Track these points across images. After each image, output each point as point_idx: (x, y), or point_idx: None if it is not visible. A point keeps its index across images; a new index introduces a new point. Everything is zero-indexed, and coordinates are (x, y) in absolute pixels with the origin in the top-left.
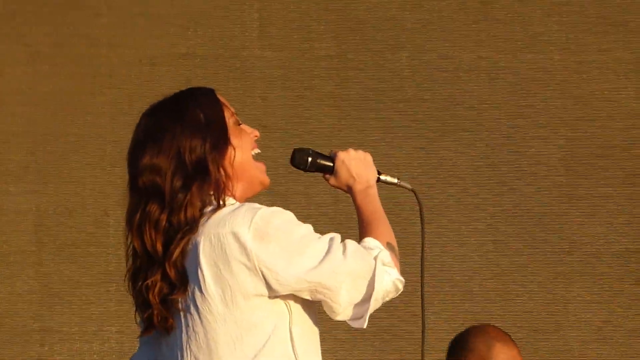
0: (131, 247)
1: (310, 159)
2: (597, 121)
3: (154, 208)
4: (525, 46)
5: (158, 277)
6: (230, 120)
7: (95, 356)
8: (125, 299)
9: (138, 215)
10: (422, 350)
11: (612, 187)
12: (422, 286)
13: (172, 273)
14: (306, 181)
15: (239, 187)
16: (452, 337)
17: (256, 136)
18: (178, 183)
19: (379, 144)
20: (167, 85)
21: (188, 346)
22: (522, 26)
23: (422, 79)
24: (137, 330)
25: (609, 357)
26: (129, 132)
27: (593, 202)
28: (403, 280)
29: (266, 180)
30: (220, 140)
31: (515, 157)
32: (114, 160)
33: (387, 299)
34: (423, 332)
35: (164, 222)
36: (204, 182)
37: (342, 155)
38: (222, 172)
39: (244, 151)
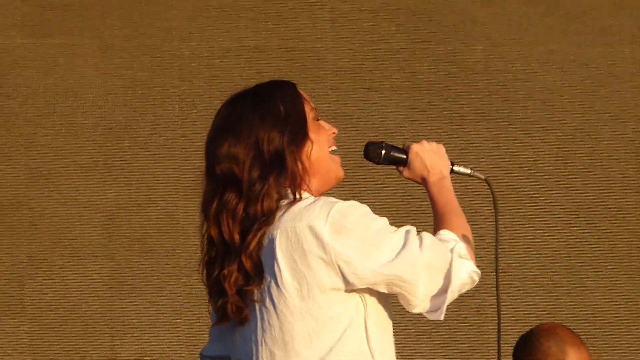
0: (206, 235)
1: (383, 152)
2: None
3: (231, 197)
4: (596, 39)
5: (235, 267)
6: (309, 115)
7: (165, 348)
8: (195, 292)
9: (215, 204)
10: (498, 346)
11: None
12: (497, 277)
13: (248, 264)
14: (376, 174)
15: (314, 182)
16: (520, 332)
17: (334, 133)
18: (255, 173)
19: (451, 136)
20: (238, 78)
21: (263, 340)
22: (592, 19)
23: (494, 72)
24: (206, 323)
25: None
26: (199, 125)
27: None
28: (479, 272)
29: (341, 173)
30: (299, 134)
31: (588, 150)
32: (185, 153)
33: (463, 290)
34: (499, 326)
35: (240, 212)
36: (280, 174)
37: (415, 147)
38: (299, 166)
39: (321, 146)
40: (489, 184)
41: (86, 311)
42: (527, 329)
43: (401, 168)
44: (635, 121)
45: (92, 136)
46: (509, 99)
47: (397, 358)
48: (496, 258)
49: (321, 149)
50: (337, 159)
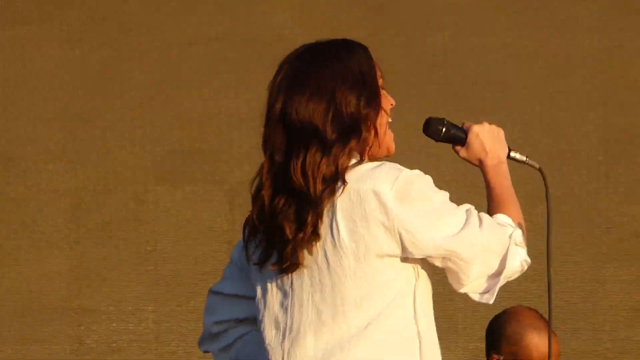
0: (270, 180)
1: (444, 129)
2: (633, 102)
3: (315, 151)
4: (554, 30)
5: (309, 217)
6: (379, 82)
7: (131, 336)
8: (162, 279)
9: (301, 155)
10: (549, 339)
11: None
12: (548, 268)
13: (320, 217)
14: None
15: (377, 149)
16: (488, 316)
17: (392, 104)
18: (336, 134)
19: (410, 126)
20: (198, 69)
21: (311, 296)
22: (551, 10)
23: (452, 62)
24: (173, 310)
25: None
26: (160, 115)
27: (630, 183)
28: (529, 261)
29: (393, 148)
30: (375, 100)
31: (553, 137)
32: (153, 140)
33: (512, 278)
34: (550, 319)
35: (324, 168)
36: (359, 137)
37: (476, 129)
38: (372, 132)
39: (386, 115)
40: (542, 174)
41: (53, 298)
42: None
43: (458, 147)
44: (601, 109)
45: (61, 122)
46: (468, 89)
47: None
48: (548, 249)
49: (386, 117)
50: (391, 134)
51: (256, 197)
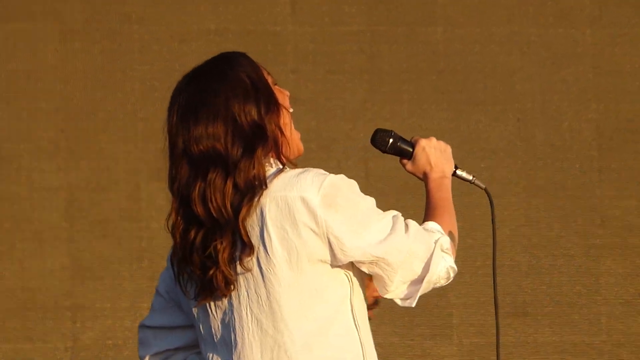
0: (180, 217)
1: (391, 141)
2: (628, 95)
3: (216, 175)
4: (557, 20)
5: (228, 239)
6: (269, 81)
7: (127, 332)
8: (157, 275)
9: (198, 185)
10: (497, 345)
11: None
12: (494, 284)
13: (244, 232)
14: (339, 155)
15: (289, 148)
16: (481, 311)
17: (288, 95)
18: (239, 149)
19: (411, 117)
20: (198, 62)
21: (249, 308)
22: (553, 0)
23: (454, 53)
24: None
25: (638, 330)
26: (160, 108)
27: (624, 176)
28: (456, 269)
29: (302, 147)
30: (271, 101)
31: (548, 130)
32: (145, 137)
33: (437, 285)
34: (497, 334)
35: (230, 189)
36: (265, 144)
37: (423, 142)
38: (278, 133)
39: (288, 111)
40: (488, 194)
41: (47, 295)
42: (490, 308)
43: (405, 161)
44: (595, 102)
45: (53, 120)
46: (470, 80)
47: None
48: (494, 267)
49: (288, 114)
50: (298, 133)
51: (173, 235)
